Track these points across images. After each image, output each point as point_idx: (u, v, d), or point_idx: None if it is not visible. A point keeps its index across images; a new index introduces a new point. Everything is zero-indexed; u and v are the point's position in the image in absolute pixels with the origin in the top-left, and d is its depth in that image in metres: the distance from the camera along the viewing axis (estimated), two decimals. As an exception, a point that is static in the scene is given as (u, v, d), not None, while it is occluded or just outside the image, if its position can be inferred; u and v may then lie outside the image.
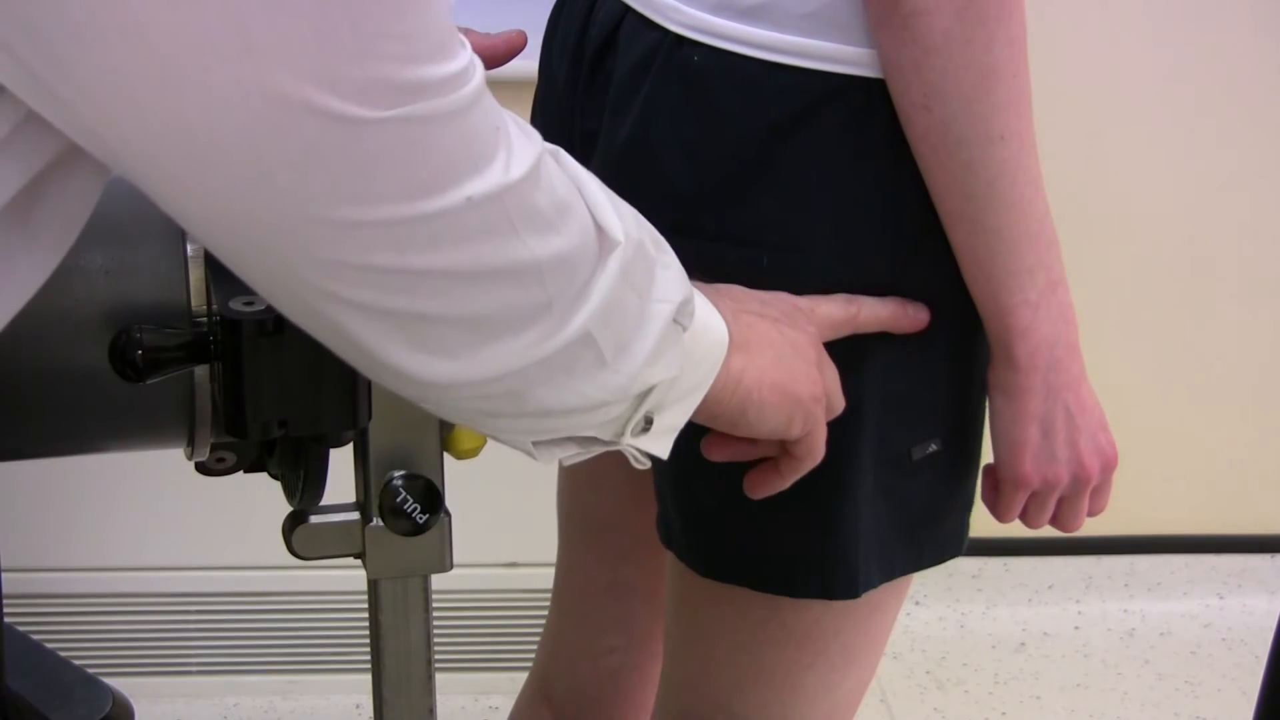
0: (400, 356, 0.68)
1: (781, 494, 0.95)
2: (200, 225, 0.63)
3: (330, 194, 0.60)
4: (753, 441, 0.89)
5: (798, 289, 0.92)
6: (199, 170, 0.59)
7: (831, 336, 0.90)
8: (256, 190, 0.60)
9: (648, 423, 0.79)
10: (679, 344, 0.78)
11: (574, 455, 0.80)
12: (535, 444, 0.78)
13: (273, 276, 0.65)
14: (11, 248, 0.62)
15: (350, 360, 0.70)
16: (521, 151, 0.67)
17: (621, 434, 0.79)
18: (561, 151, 0.74)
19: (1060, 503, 0.98)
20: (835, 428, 0.94)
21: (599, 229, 0.72)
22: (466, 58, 0.63)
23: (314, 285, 0.64)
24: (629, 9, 0.96)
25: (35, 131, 0.59)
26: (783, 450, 0.89)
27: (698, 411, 0.83)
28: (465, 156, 0.64)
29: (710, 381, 0.82)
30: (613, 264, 0.72)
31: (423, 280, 0.65)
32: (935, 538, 1.01)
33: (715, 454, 0.90)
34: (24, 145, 0.59)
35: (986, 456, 1.00)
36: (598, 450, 0.80)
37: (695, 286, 0.82)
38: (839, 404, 0.90)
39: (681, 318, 0.78)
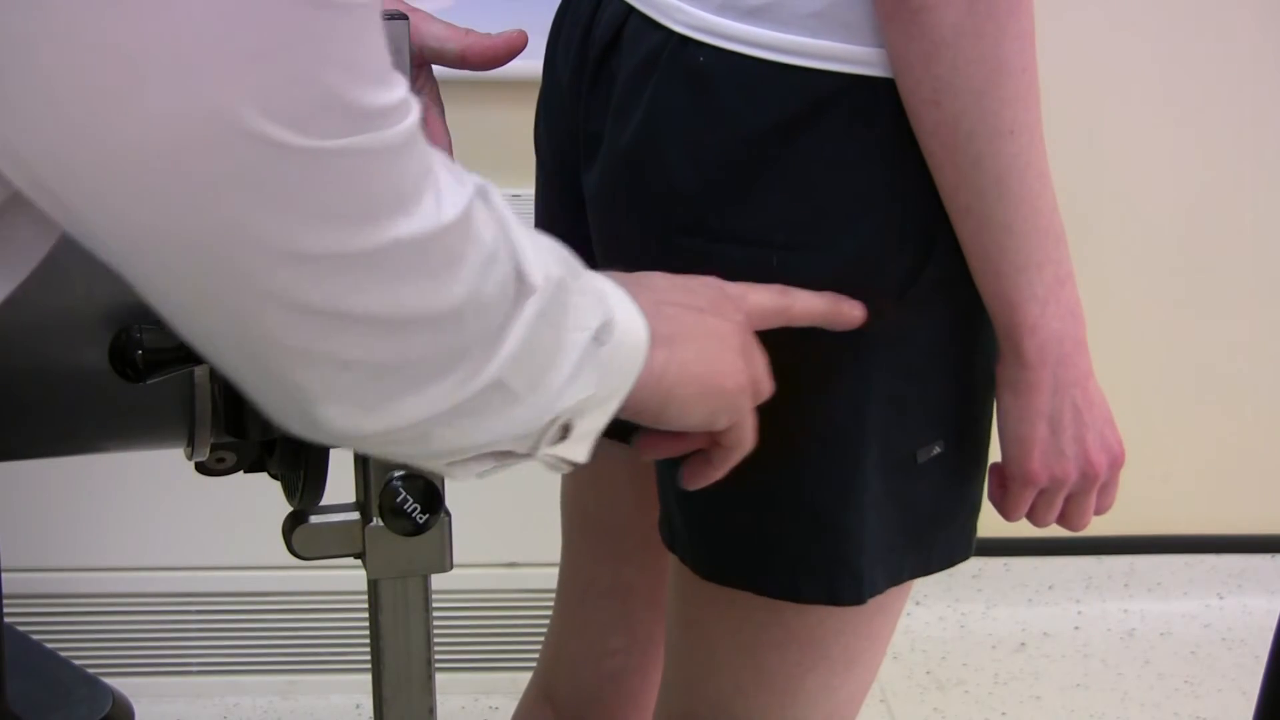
0: (314, 407, 0.66)
1: (786, 497, 0.95)
2: (120, 250, 0.61)
3: (257, 221, 0.59)
4: (682, 436, 0.88)
5: (806, 287, 0.92)
6: (125, 193, 0.57)
7: (761, 326, 0.89)
8: (182, 213, 0.58)
9: (565, 431, 0.77)
10: (596, 362, 0.76)
11: (490, 470, 0.78)
12: (449, 464, 0.77)
13: (193, 309, 0.63)
14: None
15: (266, 406, 0.68)
16: (451, 196, 0.65)
17: (537, 447, 0.77)
18: (491, 189, 0.72)
19: (1067, 500, 0.97)
20: (841, 430, 0.94)
21: (518, 274, 0.70)
22: (403, 93, 0.62)
23: (235, 321, 0.63)
24: (633, 9, 0.95)
25: None
26: (712, 441, 0.88)
27: (619, 408, 0.81)
28: (395, 195, 0.62)
29: (631, 384, 0.80)
30: (529, 309, 0.71)
31: (344, 323, 0.64)
32: (943, 541, 1.01)
33: (646, 453, 0.89)
34: None
35: (993, 457, 1.00)
36: (514, 463, 0.79)
37: (614, 279, 0.81)
38: (766, 389, 0.89)
39: (600, 336, 0.76)
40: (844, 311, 0.91)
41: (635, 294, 0.81)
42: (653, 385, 0.81)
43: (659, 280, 0.86)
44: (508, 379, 0.71)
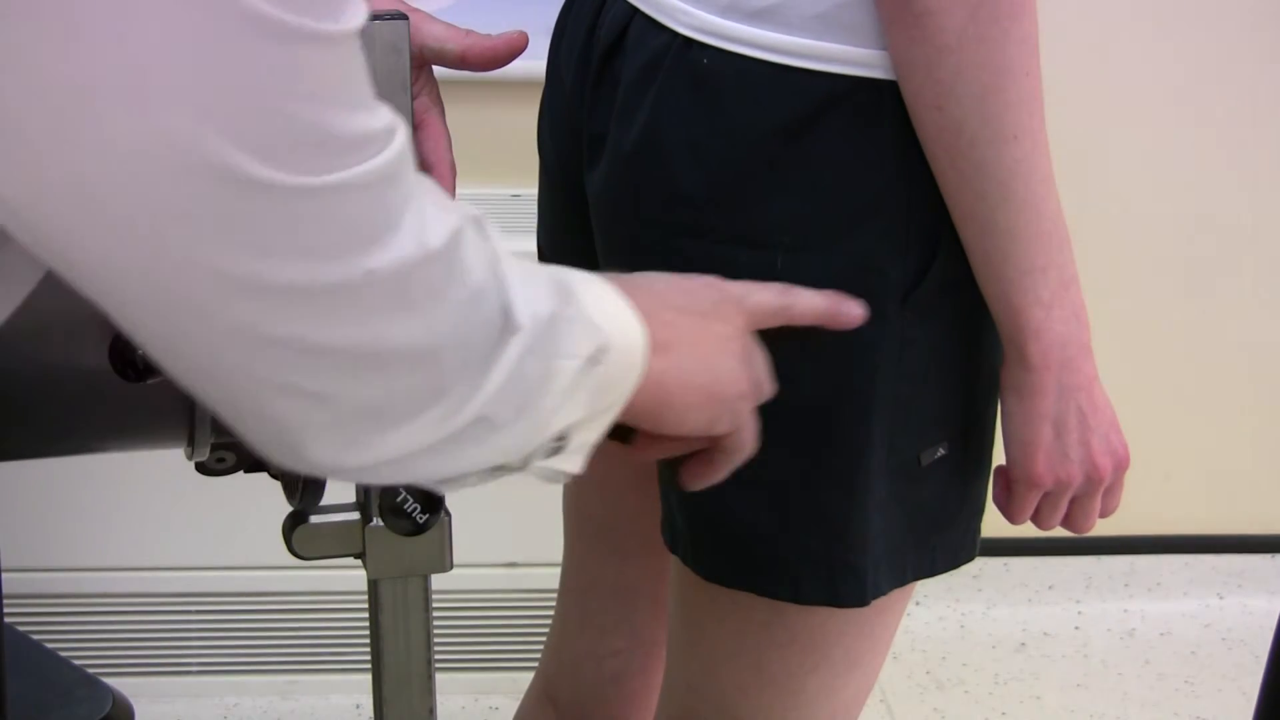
0: (291, 438, 0.65)
1: (789, 498, 0.95)
2: (93, 279, 0.60)
3: (222, 250, 0.58)
4: (681, 438, 0.86)
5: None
6: (89, 219, 0.56)
7: (762, 325, 0.87)
8: (146, 246, 0.57)
9: (559, 445, 0.76)
10: (588, 383, 0.75)
11: (481, 481, 0.76)
12: (439, 483, 0.75)
13: (165, 341, 0.63)
14: None
15: (243, 433, 0.67)
16: (435, 226, 0.64)
17: (529, 461, 0.76)
18: (486, 221, 0.71)
19: (1072, 503, 0.97)
20: (845, 432, 0.93)
21: (505, 311, 0.69)
22: (383, 123, 0.61)
23: (204, 351, 0.62)
24: (637, 11, 0.95)
25: None
26: (713, 443, 0.87)
27: (617, 417, 0.79)
28: (371, 226, 0.61)
29: (627, 397, 0.78)
30: (514, 348, 0.69)
31: (317, 357, 0.62)
32: (946, 542, 1.01)
33: (643, 454, 0.87)
34: None
35: (996, 458, 1.00)
36: (506, 475, 0.77)
37: (614, 281, 0.79)
38: (767, 390, 0.87)
39: (595, 358, 0.74)
40: (845, 310, 0.89)
41: (635, 297, 0.79)
42: (651, 392, 0.80)
43: (659, 283, 0.85)
44: (492, 414, 0.69)
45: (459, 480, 0.74)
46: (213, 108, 0.55)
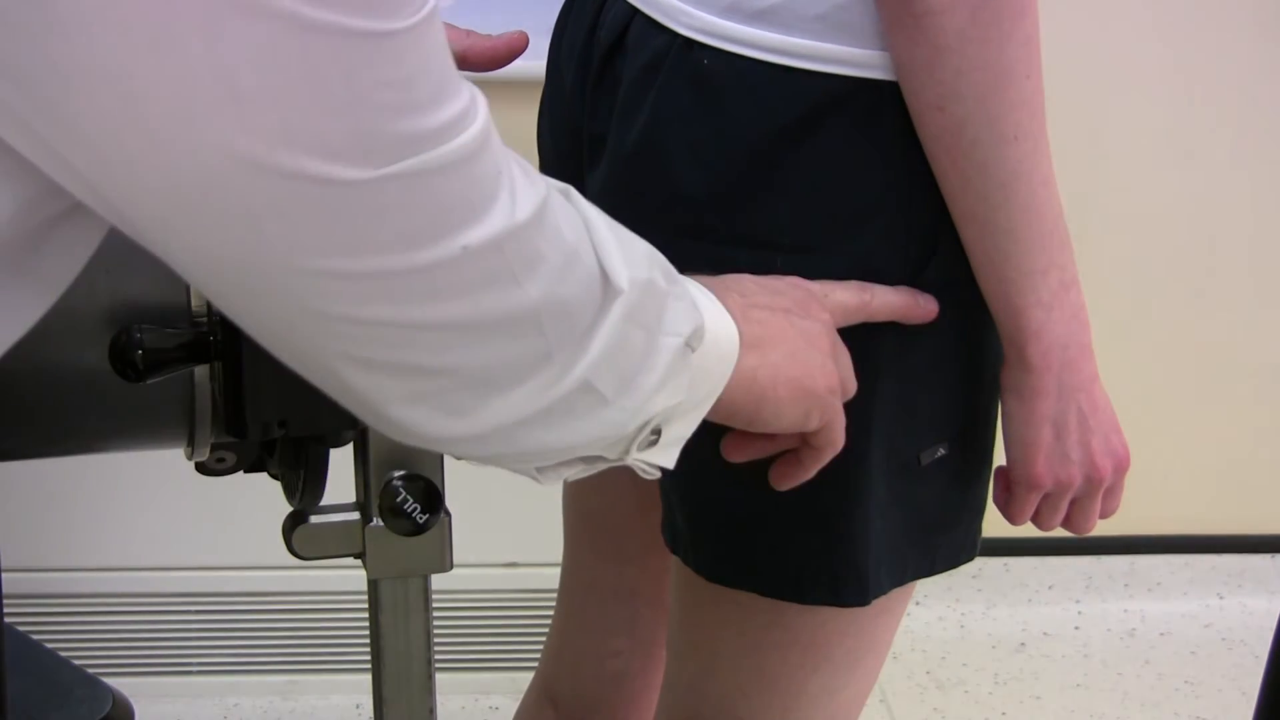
0: (399, 412, 0.67)
1: (790, 499, 0.95)
2: (197, 274, 0.62)
3: (319, 247, 0.60)
4: (772, 437, 0.88)
5: None
6: (187, 220, 0.58)
7: (844, 323, 0.89)
8: (245, 243, 0.59)
9: (655, 435, 0.78)
10: (687, 368, 0.77)
11: (579, 473, 0.79)
12: (538, 469, 0.77)
13: (270, 328, 0.65)
14: (15, 288, 0.63)
15: (353, 411, 0.69)
16: (524, 195, 0.65)
17: (628, 452, 0.78)
18: (573, 191, 0.73)
19: (1072, 504, 0.97)
20: (846, 434, 0.94)
21: (604, 275, 0.71)
22: (466, 99, 0.61)
23: (310, 337, 0.64)
24: (638, 11, 0.95)
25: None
26: (803, 441, 0.88)
27: (712, 412, 0.82)
28: (462, 205, 0.62)
29: (721, 389, 0.81)
30: (615, 311, 0.71)
31: (420, 333, 0.64)
32: (947, 542, 1.01)
33: (735, 455, 0.89)
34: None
35: (996, 459, 1.00)
36: (603, 466, 0.79)
37: (702, 281, 0.81)
38: (852, 388, 0.89)
39: (692, 342, 0.77)
40: (920, 305, 0.92)
41: (723, 297, 0.82)
42: (745, 389, 0.82)
43: (746, 283, 0.87)
44: (596, 381, 0.71)
45: (560, 466, 0.76)
46: (302, 111, 0.56)
